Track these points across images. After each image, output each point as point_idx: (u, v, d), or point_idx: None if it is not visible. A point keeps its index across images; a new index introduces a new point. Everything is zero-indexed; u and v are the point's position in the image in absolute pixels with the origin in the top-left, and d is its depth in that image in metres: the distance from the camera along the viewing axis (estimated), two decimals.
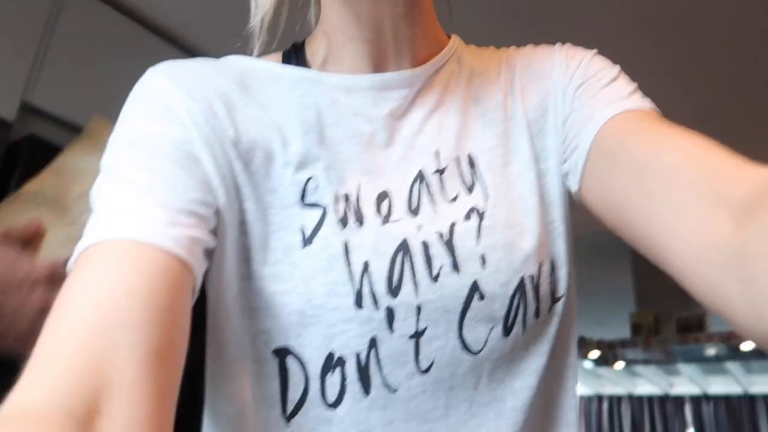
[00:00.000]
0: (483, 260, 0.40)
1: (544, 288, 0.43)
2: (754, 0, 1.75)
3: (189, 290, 0.35)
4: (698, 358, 4.15)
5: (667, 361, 4.34)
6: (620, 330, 3.86)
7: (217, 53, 0.47)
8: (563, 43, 0.50)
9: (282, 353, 0.39)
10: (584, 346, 4.91)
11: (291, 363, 0.39)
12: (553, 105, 0.46)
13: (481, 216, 0.42)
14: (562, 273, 0.45)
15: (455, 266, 0.40)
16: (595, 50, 0.49)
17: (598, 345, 3.87)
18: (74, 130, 1.36)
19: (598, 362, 4.40)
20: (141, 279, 0.32)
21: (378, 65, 0.45)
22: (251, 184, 0.40)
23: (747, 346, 4.02)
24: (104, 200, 0.36)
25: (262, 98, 0.43)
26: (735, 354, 4.56)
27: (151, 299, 0.31)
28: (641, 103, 0.43)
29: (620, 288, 4.16)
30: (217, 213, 0.38)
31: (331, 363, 0.38)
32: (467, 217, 0.42)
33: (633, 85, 0.45)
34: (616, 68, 0.47)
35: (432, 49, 0.47)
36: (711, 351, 3.92)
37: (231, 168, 0.40)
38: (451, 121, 0.45)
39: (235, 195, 0.40)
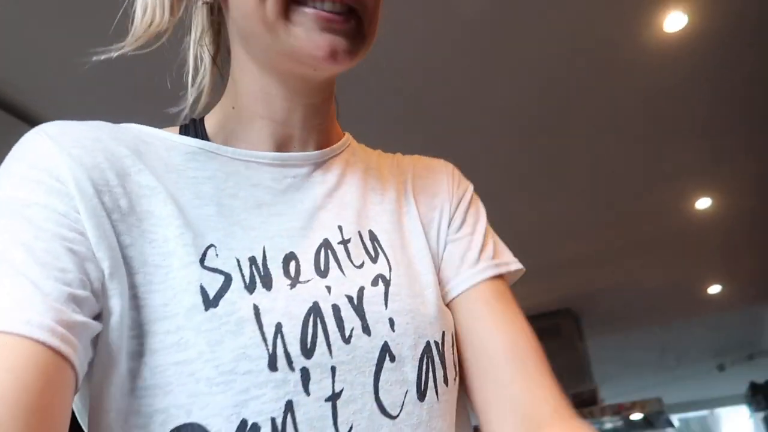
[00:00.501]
0: (391, 323, 0.41)
1: (449, 356, 0.44)
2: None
3: (68, 385, 0.31)
4: None
5: None
6: None
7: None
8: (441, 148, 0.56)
9: (182, 430, 0.35)
10: None
11: None
12: (438, 222, 0.51)
13: (387, 283, 0.43)
14: None
15: (366, 329, 0.40)
16: (472, 186, 0.55)
17: None
18: None
19: None
20: (8, 377, 0.29)
21: (281, 147, 0.46)
22: (142, 255, 0.38)
23: (637, 416, 4.24)
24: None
25: (157, 166, 0.42)
26: (629, 426, 4.78)
27: (20, 400, 0.28)
28: (497, 268, 0.50)
29: None
30: (102, 291, 0.35)
31: (245, 431, 0.35)
32: (374, 282, 0.43)
33: (495, 238, 0.53)
34: (484, 212, 0.54)
35: (331, 140, 0.49)
36: (608, 425, 4.09)
37: (119, 241, 0.37)
38: (351, 202, 0.47)
39: (124, 269, 0.37)
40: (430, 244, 0.49)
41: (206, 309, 0.37)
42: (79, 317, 0.33)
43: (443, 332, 0.44)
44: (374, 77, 1.70)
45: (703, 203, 2.75)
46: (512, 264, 0.52)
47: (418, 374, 0.41)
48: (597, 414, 3.66)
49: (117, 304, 0.36)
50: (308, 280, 0.41)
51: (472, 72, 1.86)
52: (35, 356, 0.30)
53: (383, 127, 1.87)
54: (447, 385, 0.43)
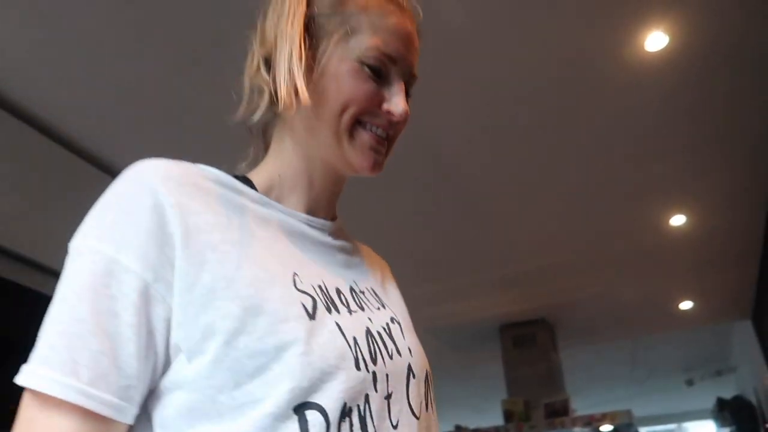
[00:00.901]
0: (410, 351, 0.56)
1: (431, 386, 0.59)
2: None
3: None
4: None
5: None
6: (494, 417, 3.97)
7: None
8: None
9: (302, 408, 0.44)
10: None
11: (311, 415, 0.44)
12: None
13: (398, 323, 0.58)
14: None
15: (398, 351, 0.54)
16: None
17: None
18: None
19: None
20: None
21: (310, 211, 0.59)
22: (238, 278, 0.48)
23: (606, 428, 4.28)
24: (60, 332, 0.41)
25: (234, 206, 0.52)
26: None
27: None
28: None
29: (492, 375, 4.32)
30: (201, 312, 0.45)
31: (345, 411, 0.45)
32: (392, 321, 0.58)
33: None
34: None
35: (335, 215, 0.64)
36: None
37: (212, 270, 0.48)
38: (358, 265, 0.63)
39: (228, 291, 0.47)
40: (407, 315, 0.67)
41: (310, 320, 0.47)
42: (139, 385, 0.43)
43: (428, 367, 0.59)
44: None
45: (678, 220, 2.81)
46: None
47: (424, 391, 0.55)
48: (568, 424, 3.69)
49: (227, 322, 0.45)
50: (356, 311, 0.54)
51: (448, 88, 1.89)
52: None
53: None
54: (433, 406, 0.57)
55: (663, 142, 2.25)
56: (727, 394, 5.30)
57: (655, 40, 1.74)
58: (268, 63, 0.56)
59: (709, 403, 5.83)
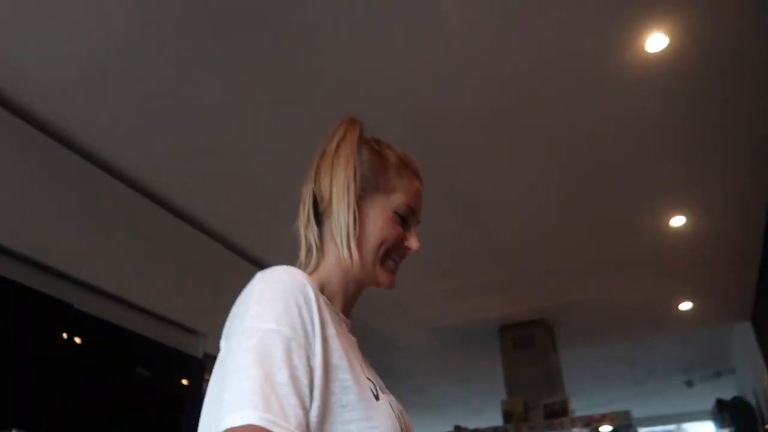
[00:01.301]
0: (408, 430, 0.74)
1: None
2: None
3: None
4: None
5: None
6: (493, 418, 3.97)
7: None
8: None
9: None
10: None
11: None
12: None
13: (399, 407, 0.74)
14: None
15: (407, 429, 0.73)
16: None
17: None
18: None
19: None
20: None
21: (343, 311, 0.78)
22: (337, 364, 0.65)
23: (605, 428, 4.28)
24: (270, 391, 0.56)
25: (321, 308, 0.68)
26: None
27: None
28: None
29: (492, 376, 4.32)
30: (321, 386, 0.62)
31: None
32: (398, 402, 0.75)
33: None
34: None
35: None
36: None
37: (326, 358, 0.65)
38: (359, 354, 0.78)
39: (337, 374, 0.64)
40: None
41: (376, 400, 0.65)
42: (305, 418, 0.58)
43: None
44: None
45: (678, 221, 2.81)
46: None
47: None
48: (567, 425, 3.69)
49: (331, 396, 0.62)
50: (385, 393, 0.71)
51: (447, 88, 1.89)
52: None
53: None
54: None
55: (663, 143, 2.25)
56: (727, 395, 5.30)
57: (656, 41, 1.74)
58: (317, 214, 0.79)
59: (709, 404, 5.82)
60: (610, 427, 4.20)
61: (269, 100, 1.92)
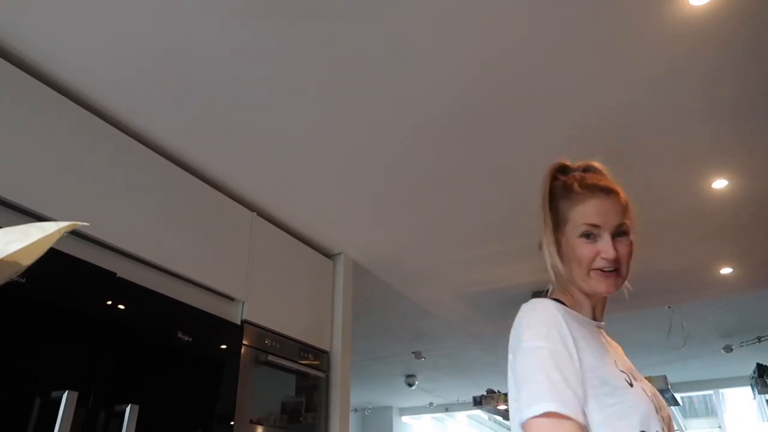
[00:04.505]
0: (666, 417, 0.94)
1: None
2: None
3: None
4: None
5: None
6: None
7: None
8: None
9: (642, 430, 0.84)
10: (493, 398, 5.00)
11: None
12: None
13: (654, 393, 0.96)
14: None
15: (663, 407, 0.93)
16: None
17: (506, 397, 3.95)
18: None
19: (506, 416, 4.48)
20: None
21: (593, 316, 1.00)
22: (593, 364, 0.90)
23: None
24: (552, 381, 0.82)
25: (574, 322, 0.94)
26: None
27: None
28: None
29: None
30: (585, 384, 0.86)
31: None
32: (650, 385, 0.97)
33: None
34: None
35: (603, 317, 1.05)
36: None
37: (582, 359, 0.90)
38: (621, 353, 1.04)
39: (596, 372, 0.89)
40: None
41: (630, 386, 0.88)
42: (579, 406, 0.83)
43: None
44: None
45: (720, 184, 2.72)
46: None
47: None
48: None
49: (594, 389, 0.85)
50: (638, 381, 0.91)
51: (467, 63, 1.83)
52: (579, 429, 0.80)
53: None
54: None
55: (707, 102, 2.16)
56: (767, 360, 5.21)
57: None
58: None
59: (748, 370, 5.73)
60: None
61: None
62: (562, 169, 1.07)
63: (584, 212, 0.97)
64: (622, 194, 1.04)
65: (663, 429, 0.86)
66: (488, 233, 3.14)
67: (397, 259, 3.42)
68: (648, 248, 3.44)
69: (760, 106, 2.18)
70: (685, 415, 7.44)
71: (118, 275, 1.94)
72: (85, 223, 0.67)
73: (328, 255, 3.28)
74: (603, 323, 1.01)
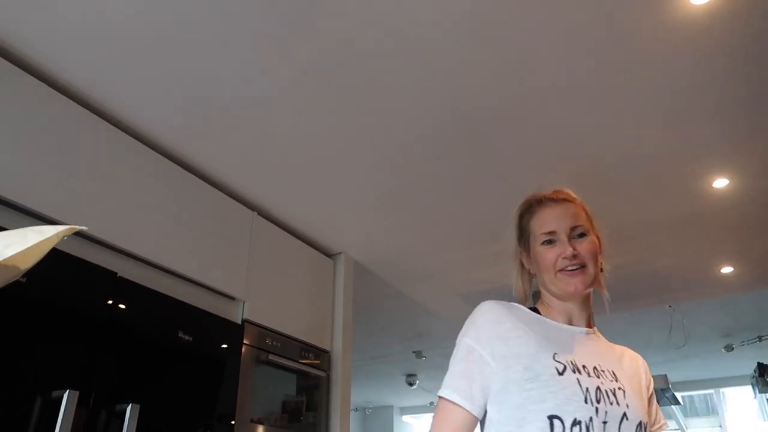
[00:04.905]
0: (627, 405, 0.99)
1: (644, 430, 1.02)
2: None
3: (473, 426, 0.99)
4: None
5: None
6: None
7: None
8: None
9: (551, 417, 0.91)
10: None
11: (556, 422, 0.90)
12: (645, 388, 1.11)
13: (623, 390, 1.01)
14: None
15: (617, 403, 0.95)
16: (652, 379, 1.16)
17: None
18: None
19: None
20: (460, 424, 0.98)
21: (569, 322, 1.09)
22: (521, 354, 1.00)
23: None
24: (458, 371, 1.01)
25: (527, 322, 1.05)
26: None
27: None
28: (663, 429, 1.16)
29: None
30: (499, 376, 0.98)
31: (575, 422, 0.90)
32: (618, 389, 1.00)
33: (658, 406, 1.23)
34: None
35: (591, 325, 1.12)
36: None
37: (504, 352, 1.01)
38: (602, 355, 1.07)
39: (519, 365, 0.98)
40: (642, 390, 1.08)
41: (559, 375, 0.95)
42: (479, 397, 0.99)
43: (642, 419, 1.00)
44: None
45: (720, 183, 2.72)
46: (665, 425, 1.12)
47: (634, 430, 0.98)
48: None
49: (516, 374, 0.96)
50: (593, 377, 0.97)
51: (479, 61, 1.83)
52: (468, 417, 0.99)
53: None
54: None
55: (707, 101, 2.16)
56: None
57: None
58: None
59: (749, 368, 5.73)
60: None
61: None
62: (527, 202, 1.17)
63: (540, 221, 1.10)
64: (577, 201, 1.13)
65: (591, 419, 0.90)
66: (488, 233, 3.14)
67: (397, 259, 3.42)
68: (649, 247, 3.45)
69: (760, 104, 2.18)
70: (685, 414, 7.43)
71: (118, 275, 1.94)
72: (84, 227, 0.67)
73: (329, 254, 3.28)
74: (587, 329, 1.09)
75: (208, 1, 1.66)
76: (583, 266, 1.05)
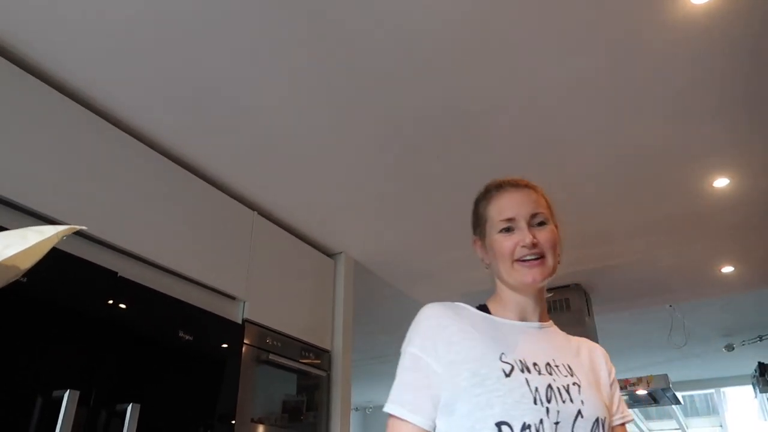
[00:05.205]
0: (582, 402, 0.93)
1: (602, 427, 0.95)
2: None
3: None
4: None
5: None
6: None
7: None
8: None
9: (499, 423, 0.85)
10: None
11: (504, 428, 0.84)
12: (606, 379, 1.04)
13: (578, 385, 0.95)
14: None
15: (571, 400, 0.90)
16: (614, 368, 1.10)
17: None
18: None
19: None
20: None
21: (522, 318, 1.02)
22: (468, 357, 0.93)
23: (642, 392, 4.25)
24: (404, 384, 0.94)
25: (471, 321, 0.99)
26: (635, 401, 4.80)
27: None
28: (625, 419, 1.07)
29: None
30: (450, 379, 0.91)
31: (524, 426, 0.84)
32: (573, 384, 0.94)
33: (622, 398, 1.11)
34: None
35: (545, 319, 1.05)
36: None
37: (448, 357, 0.94)
38: (558, 348, 1.00)
39: (463, 367, 0.92)
40: (602, 383, 1.02)
41: (506, 377, 0.89)
42: (429, 408, 0.91)
43: (600, 415, 0.93)
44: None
45: (721, 183, 2.71)
46: (627, 417, 1.04)
47: (591, 428, 0.90)
48: None
49: (464, 381, 0.89)
50: (544, 374, 0.91)
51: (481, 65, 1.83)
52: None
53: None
54: None
55: (708, 101, 2.16)
56: None
57: None
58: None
59: (750, 368, 5.73)
60: (647, 391, 4.18)
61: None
62: (485, 188, 1.11)
63: (499, 207, 1.03)
64: (538, 189, 1.07)
65: (542, 421, 0.84)
66: None
67: (398, 258, 3.42)
68: (649, 247, 3.45)
69: (761, 104, 2.17)
70: (686, 414, 7.44)
71: (119, 274, 1.94)
72: (83, 227, 0.67)
73: (329, 254, 3.28)
74: (541, 323, 1.03)
75: (208, 1, 1.66)
76: (542, 256, 0.98)
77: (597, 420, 0.89)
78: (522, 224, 1.00)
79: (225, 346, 2.33)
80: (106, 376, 1.79)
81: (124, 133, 2.14)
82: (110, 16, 1.70)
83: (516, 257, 0.98)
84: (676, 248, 3.43)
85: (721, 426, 7.27)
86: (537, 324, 1.02)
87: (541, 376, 0.90)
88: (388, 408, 0.92)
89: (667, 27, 1.79)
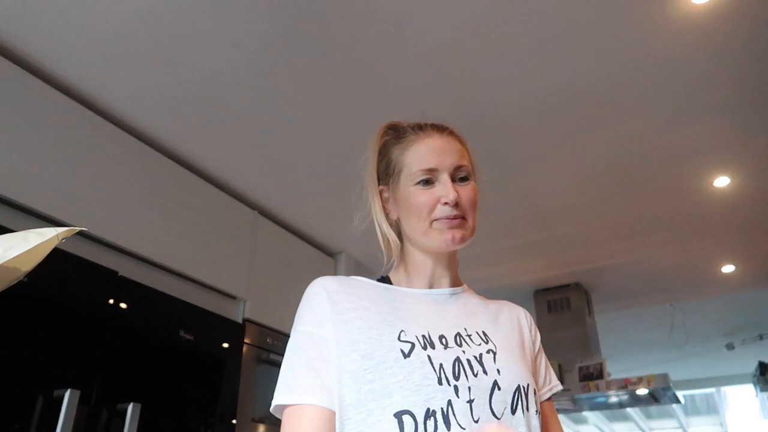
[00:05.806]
0: (498, 371, 0.78)
1: (524, 396, 0.83)
2: None
3: (333, 421, 0.73)
4: (602, 406, 4.35)
5: (574, 409, 4.51)
6: None
7: None
8: None
9: (399, 414, 0.70)
10: None
11: (406, 419, 0.70)
12: (529, 341, 0.91)
13: (493, 353, 0.81)
14: None
15: (484, 372, 0.76)
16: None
17: None
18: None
19: None
20: (318, 426, 0.72)
21: (431, 286, 0.88)
22: (360, 337, 0.78)
23: (642, 391, 4.26)
24: (290, 368, 0.79)
25: (366, 295, 0.84)
26: (635, 400, 4.81)
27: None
28: (551, 392, 0.94)
29: None
30: (341, 364, 0.76)
31: (429, 414, 0.70)
32: (488, 351, 0.81)
33: (549, 363, 0.98)
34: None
35: (457, 283, 0.91)
36: (614, 398, 4.13)
37: (342, 335, 0.78)
38: (472, 315, 0.87)
39: (355, 347, 0.77)
40: (525, 346, 0.89)
41: (405, 358, 0.74)
42: (333, 388, 0.74)
43: (521, 383, 0.79)
44: None
45: (722, 182, 2.71)
46: (556, 387, 0.93)
47: (513, 399, 0.77)
48: (603, 387, 3.69)
49: (353, 364, 0.74)
50: (452, 347, 0.78)
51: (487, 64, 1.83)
52: (326, 414, 0.73)
53: None
54: (528, 410, 0.78)
55: (707, 100, 2.16)
56: None
57: None
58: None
59: (750, 367, 5.73)
60: (647, 390, 4.17)
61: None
62: (394, 126, 0.93)
63: (418, 154, 0.85)
64: (462, 138, 0.92)
65: (450, 402, 0.71)
66: (488, 232, 3.14)
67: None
68: (650, 246, 3.45)
69: (761, 104, 2.17)
70: (687, 413, 7.44)
71: (120, 274, 1.94)
72: (84, 228, 0.67)
73: (330, 253, 3.28)
74: (452, 289, 0.89)
75: (208, 1, 1.66)
76: (463, 218, 0.83)
77: (518, 388, 0.76)
78: (445, 177, 0.84)
79: (225, 345, 2.34)
80: (107, 376, 1.79)
81: (124, 133, 2.14)
82: (110, 16, 1.70)
83: (435, 216, 0.83)
84: (676, 247, 3.42)
85: (721, 425, 7.28)
86: (448, 290, 0.88)
87: (448, 350, 0.77)
88: (281, 400, 0.76)
89: (668, 27, 1.79)
